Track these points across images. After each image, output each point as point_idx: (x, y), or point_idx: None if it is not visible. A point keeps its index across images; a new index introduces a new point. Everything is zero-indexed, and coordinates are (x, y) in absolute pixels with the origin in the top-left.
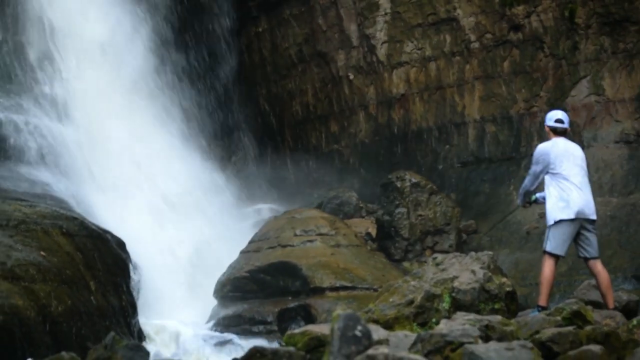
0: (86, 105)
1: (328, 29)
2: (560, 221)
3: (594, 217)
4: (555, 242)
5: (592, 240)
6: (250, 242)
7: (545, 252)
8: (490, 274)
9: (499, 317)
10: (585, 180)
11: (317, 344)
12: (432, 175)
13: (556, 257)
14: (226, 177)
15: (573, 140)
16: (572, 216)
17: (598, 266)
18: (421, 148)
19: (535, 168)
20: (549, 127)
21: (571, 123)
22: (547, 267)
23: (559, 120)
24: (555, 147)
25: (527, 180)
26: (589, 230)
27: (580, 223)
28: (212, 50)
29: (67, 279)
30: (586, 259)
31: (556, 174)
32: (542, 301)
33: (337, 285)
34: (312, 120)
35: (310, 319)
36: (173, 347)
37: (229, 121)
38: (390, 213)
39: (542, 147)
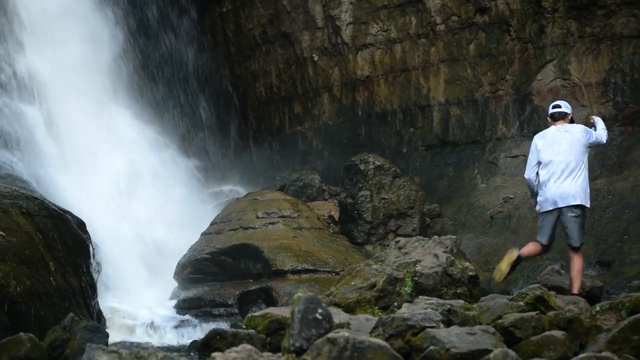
0: (47, 85)
1: (293, 9)
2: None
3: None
4: (538, 230)
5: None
6: (212, 223)
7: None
8: (453, 258)
9: (461, 302)
10: (570, 166)
11: (278, 327)
12: (396, 158)
13: (541, 244)
14: (188, 158)
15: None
16: (549, 208)
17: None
18: (385, 130)
19: (529, 157)
20: (548, 115)
21: (536, 107)
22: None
23: (555, 106)
24: (543, 136)
25: (526, 172)
26: (566, 215)
27: (558, 211)
28: (176, 30)
29: (26, 259)
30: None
31: (540, 164)
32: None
33: (299, 268)
34: (276, 102)
35: (271, 301)
36: (132, 329)
37: (191, 102)
38: (353, 196)
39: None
